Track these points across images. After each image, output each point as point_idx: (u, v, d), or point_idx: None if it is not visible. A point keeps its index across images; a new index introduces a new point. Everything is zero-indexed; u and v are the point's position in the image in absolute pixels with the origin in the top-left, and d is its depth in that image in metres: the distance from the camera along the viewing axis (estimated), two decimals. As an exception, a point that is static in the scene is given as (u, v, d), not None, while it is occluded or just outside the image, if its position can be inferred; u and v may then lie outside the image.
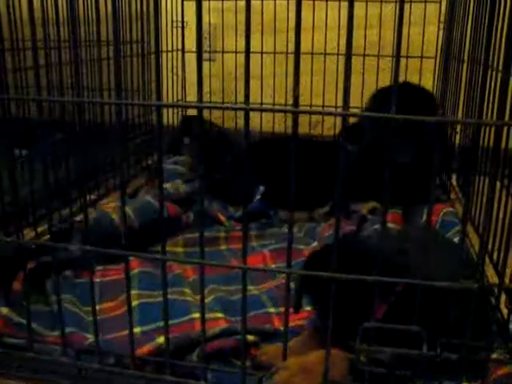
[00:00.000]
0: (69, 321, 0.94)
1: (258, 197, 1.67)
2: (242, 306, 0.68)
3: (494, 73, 1.09)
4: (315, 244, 1.37)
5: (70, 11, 0.66)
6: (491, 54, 1.08)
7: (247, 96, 0.59)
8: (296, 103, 0.58)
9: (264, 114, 2.19)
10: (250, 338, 0.91)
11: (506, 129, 0.90)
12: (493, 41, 1.06)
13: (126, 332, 0.76)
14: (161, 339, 0.86)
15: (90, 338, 0.91)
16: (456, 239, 1.24)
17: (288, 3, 2.07)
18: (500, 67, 1.02)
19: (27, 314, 0.81)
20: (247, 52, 0.58)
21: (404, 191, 1.28)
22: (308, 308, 1.01)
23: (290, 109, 0.58)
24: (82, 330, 0.96)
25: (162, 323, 0.74)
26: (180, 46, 2.25)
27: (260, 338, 0.93)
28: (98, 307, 1.02)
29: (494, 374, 0.78)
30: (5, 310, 0.95)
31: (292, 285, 0.92)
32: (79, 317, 1.02)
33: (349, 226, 1.41)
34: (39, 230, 1.29)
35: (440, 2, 1.99)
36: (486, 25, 1.26)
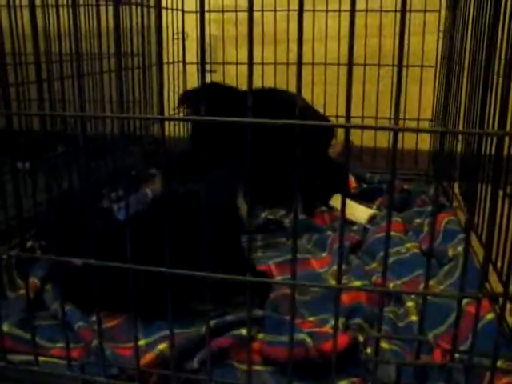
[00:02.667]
0: (72, 327, 0.95)
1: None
2: (248, 319, 0.68)
3: (494, 81, 1.09)
4: (325, 254, 1.34)
5: (72, 25, 0.67)
6: (492, 62, 1.08)
7: (250, 108, 0.59)
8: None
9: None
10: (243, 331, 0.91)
11: (507, 138, 0.90)
12: (493, 48, 1.07)
13: (131, 344, 0.76)
14: (162, 346, 0.86)
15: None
16: (460, 248, 1.24)
17: (288, 14, 2.08)
18: (501, 75, 1.02)
19: (31, 327, 0.81)
20: (250, 63, 0.58)
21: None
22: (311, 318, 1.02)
23: (292, 121, 0.58)
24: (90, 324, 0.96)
25: (166, 332, 0.73)
26: (181, 58, 2.26)
27: (256, 329, 0.94)
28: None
29: (498, 382, 0.78)
30: (6, 327, 0.95)
31: (296, 295, 0.92)
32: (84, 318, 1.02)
33: (355, 237, 1.41)
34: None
35: (439, 11, 2.01)
36: (487, 32, 1.27)
